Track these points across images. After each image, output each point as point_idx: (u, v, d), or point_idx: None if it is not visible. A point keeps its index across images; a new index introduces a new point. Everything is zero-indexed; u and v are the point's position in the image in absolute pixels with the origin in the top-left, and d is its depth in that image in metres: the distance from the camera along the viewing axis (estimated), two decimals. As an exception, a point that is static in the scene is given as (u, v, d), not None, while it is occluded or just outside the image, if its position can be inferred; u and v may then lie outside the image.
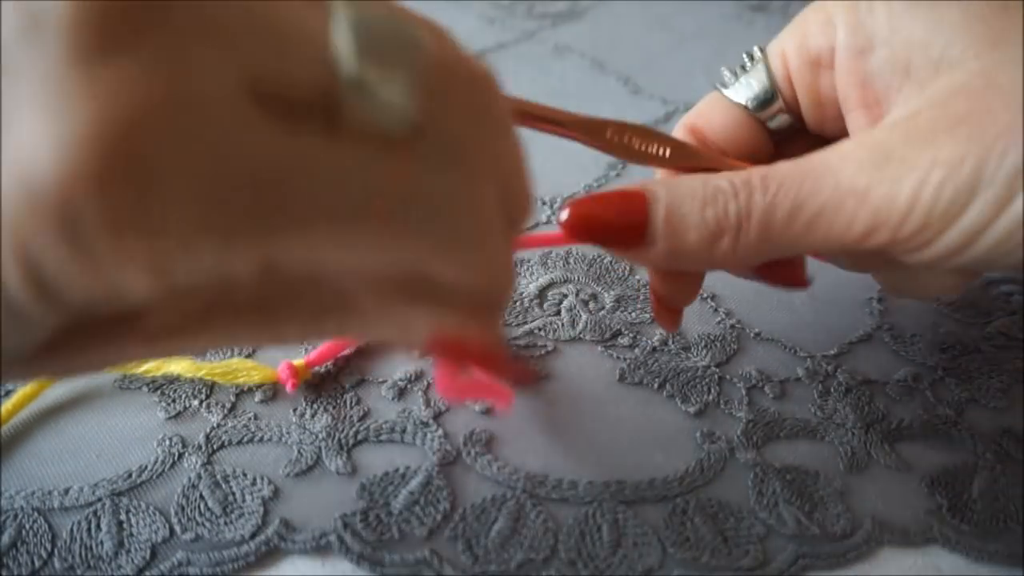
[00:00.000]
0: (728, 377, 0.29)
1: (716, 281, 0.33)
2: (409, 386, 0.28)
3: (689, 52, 0.51)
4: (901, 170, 0.19)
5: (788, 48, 0.25)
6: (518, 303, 0.32)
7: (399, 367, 0.29)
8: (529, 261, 0.34)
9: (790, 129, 0.26)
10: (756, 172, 0.21)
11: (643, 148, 0.25)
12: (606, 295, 0.32)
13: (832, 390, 0.29)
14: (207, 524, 0.24)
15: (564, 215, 0.23)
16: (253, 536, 0.24)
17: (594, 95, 0.46)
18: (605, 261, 0.34)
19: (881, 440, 0.27)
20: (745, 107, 0.26)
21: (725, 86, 0.26)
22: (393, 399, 0.28)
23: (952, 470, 0.26)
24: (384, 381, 0.29)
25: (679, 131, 0.27)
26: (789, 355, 0.30)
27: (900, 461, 0.26)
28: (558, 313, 0.31)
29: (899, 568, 0.24)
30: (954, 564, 0.24)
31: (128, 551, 0.23)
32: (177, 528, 0.24)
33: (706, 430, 0.27)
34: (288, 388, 0.26)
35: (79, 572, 0.23)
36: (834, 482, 0.25)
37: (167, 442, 0.26)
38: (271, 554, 0.23)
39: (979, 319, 0.32)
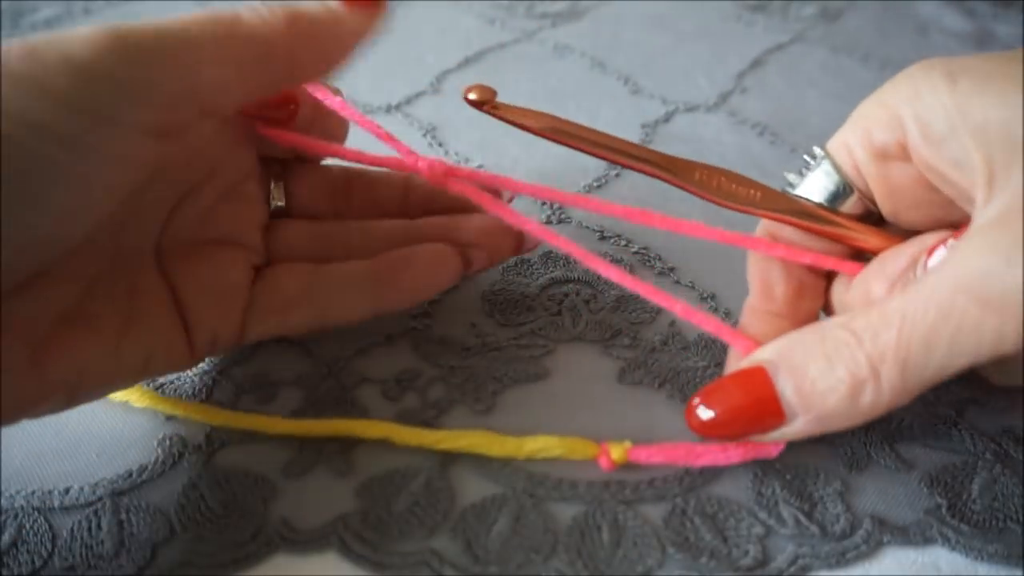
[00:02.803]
0: (728, 377, 0.29)
1: (716, 280, 0.33)
2: (409, 385, 0.28)
3: (689, 52, 0.51)
4: None
5: (851, 142, 0.25)
6: (519, 302, 0.32)
7: (398, 367, 0.29)
8: (529, 261, 0.34)
9: (865, 217, 0.26)
10: (868, 313, 0.21)
11: (734, 189, 0.25)
12: (606, 295, 0.32)
13: (832, 390, 0.29)
14: (207, 524, 0.24)
15: (698, 420, 0.23)
16: (253, 536, 0.24)
17: (594, 95, 0.46)
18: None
19: (881, 440, 0.27)
20: (821, 204, 0.25)
21: (792, 187, 0.26)
22: (393, 399, 0.28)
23: (952, 470, 0.26)
24: (384, 381, 0.29)
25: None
26: (789, 355, 0.30)
27: (900, 461, 0.26)
28: (559, 313, 0.31)
29: (899, 568, 0.24)
30: (954, 563, 0.24)
31: (128, 551, 0.23)
32: (177, 528, 0.24)
33: (706, 430, 0.27)
34: (603, 467, 0.25)
35: (79, 572, 0.23)
36: (834, 482, 0.25)
37: (167, 442, 0.26)
38: (271, 554, 0.23)
39: (979, 319, 0.32)
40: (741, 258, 0.30)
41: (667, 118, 0.44)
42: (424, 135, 0.42)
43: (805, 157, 0.26)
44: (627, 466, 0.25)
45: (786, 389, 0.21)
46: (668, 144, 0.42)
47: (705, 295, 0.33)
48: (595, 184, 0.39)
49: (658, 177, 0.25)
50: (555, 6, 0.57)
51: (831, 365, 0.21)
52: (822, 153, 0.26)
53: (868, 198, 0.25)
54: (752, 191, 0.26)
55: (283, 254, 0.29)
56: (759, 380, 0.22)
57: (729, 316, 0.32)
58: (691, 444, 0.25)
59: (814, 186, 0.26)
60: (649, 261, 0.34)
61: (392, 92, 0.46)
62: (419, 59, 0.50)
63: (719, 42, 0.53)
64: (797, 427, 0.22)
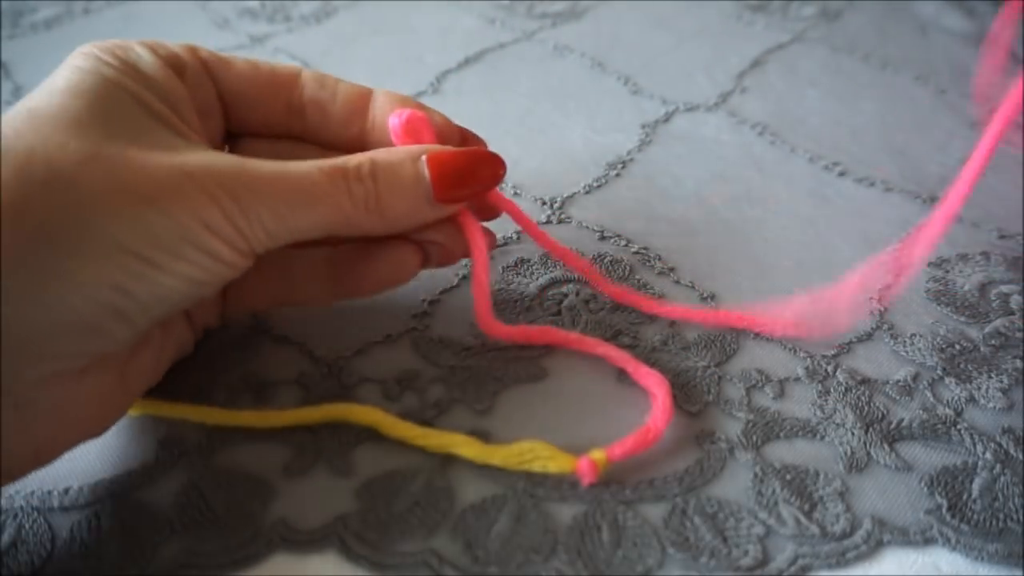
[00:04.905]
0: (728, 377, 0.29)
1: (715, 281, 0.33)
2: (409, 385, 0.28)
3: (689, 52, 0.51)
4: None
5: None
6: (518, 303, 0.32)
7: (398, 367, 0.29)
8: (529, 261, 0.34)
9: None
10: None
11: None
12: (607, 295, 0.32)
13: (832, 390, 0.29)
14: (207, 524, 0.24)
15: None
16: (253, 536, 0.24)
17: (594, 95, 0.46)
18: (605, 261, 0.34)
19: (881, 440, 0.27)
20: None
21: None
22: (393, 399, 0.28)
23: (952, 470, 0.26)
24: (384, 381, 0.29)
25: None
26: (789, 355, 0.30)
27: (900, 461, 0.26)
28: (558, 313, 0.31)
29: (899, 568, 0.24)
30: (954, 564, 0.24)
31: (128, 551, 0.23)
32: (177, 528, 0.24)
33: (706, 430, 0.27)
34: (583, 482, 0.25)
35: (79, 572, 0.23)
36: (834, 482, 0.25)
37: (167, 442, 0.26)
38: (271, 554, 0.23)
39: (979, 319, 0.32)
40: (741, 259, 0.30)
41: (667, 118, 0.44)
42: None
43: None
44: (627, 466, 0.25)
45: None
46: (668, 144, 0.42)
47: (705, 295, 0.33)
48: (595, 184, 0.39)
49: None
50: (555, 6, 0.57)
51: None
52: None
53: None
54: None
55: None
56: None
57: (729, 316, 0.32)
58: (653, 422, 0.26)
59: None
60: (649, 261, 0.34)
61: (392, 92, 0.46)
62: (419, 59, 0.50)
63: (719, 42, 0.53)
64: None
